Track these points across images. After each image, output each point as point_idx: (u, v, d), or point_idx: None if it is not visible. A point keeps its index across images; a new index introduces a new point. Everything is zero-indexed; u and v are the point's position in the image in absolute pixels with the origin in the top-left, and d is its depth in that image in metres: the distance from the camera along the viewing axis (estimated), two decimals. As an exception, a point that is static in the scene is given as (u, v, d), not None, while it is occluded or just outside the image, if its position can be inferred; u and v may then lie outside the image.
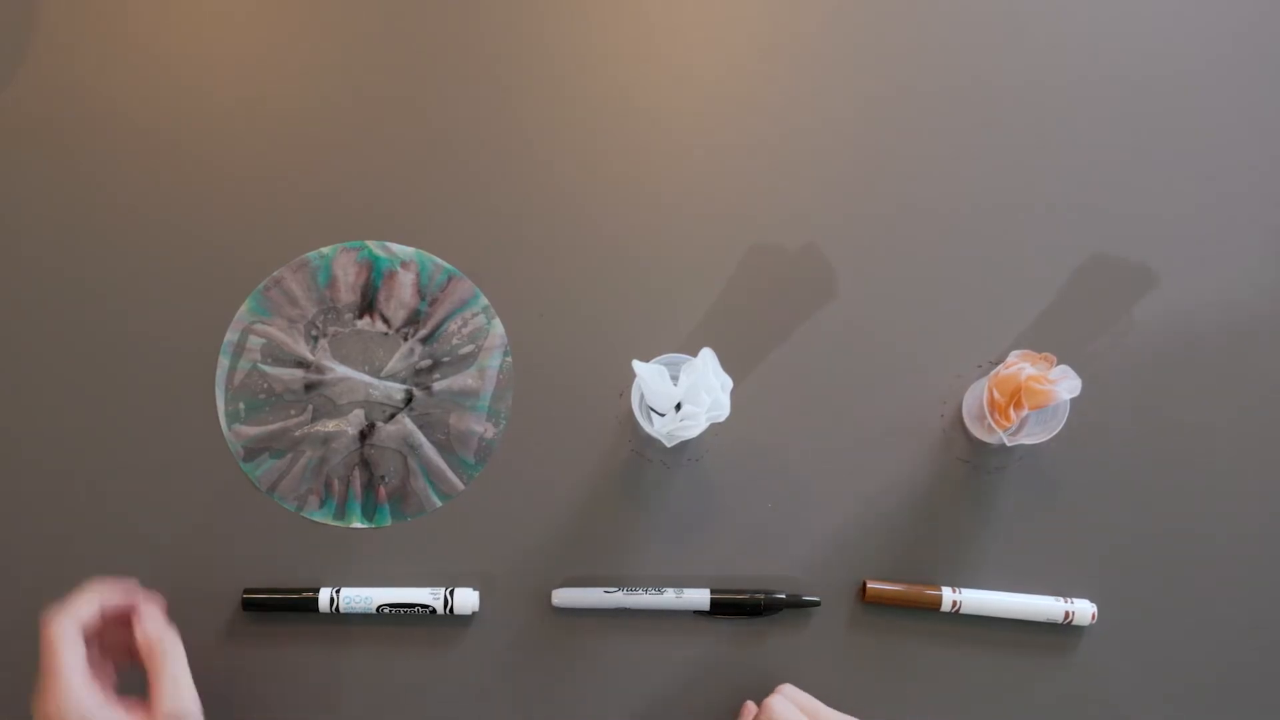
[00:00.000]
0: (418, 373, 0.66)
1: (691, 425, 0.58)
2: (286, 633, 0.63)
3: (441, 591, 0.62)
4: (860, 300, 0.68)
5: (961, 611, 0.63)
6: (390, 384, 0.66)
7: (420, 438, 0.65)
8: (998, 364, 0.61)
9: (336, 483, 0.65)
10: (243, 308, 0.66)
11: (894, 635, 0.63)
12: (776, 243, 0.69)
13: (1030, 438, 0.61)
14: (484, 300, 0.67)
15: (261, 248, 0.67)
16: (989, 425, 0.61)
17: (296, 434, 0.65)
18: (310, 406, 0.65)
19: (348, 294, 0.67)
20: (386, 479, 0.65)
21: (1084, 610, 0.63)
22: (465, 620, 0.63)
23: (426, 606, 0.62)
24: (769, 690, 0.58)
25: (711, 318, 0.68)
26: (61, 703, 0.47)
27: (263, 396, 0.65)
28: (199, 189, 0.68)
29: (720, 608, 0.62)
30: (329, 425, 0.65)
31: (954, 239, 0.69)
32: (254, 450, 0.65)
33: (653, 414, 0.63)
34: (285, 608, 0.62)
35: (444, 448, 0.65)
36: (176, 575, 0.64)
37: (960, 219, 0.69)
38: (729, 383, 0.58)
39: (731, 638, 0.63)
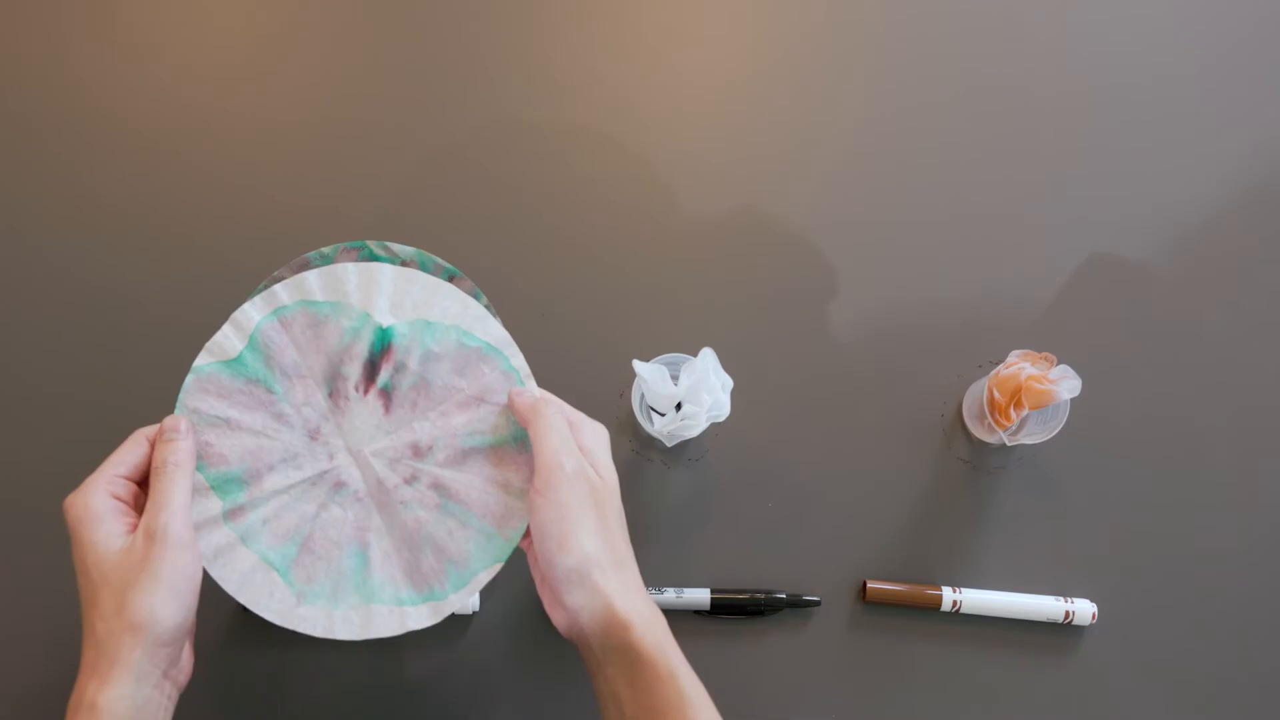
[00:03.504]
0: (418, 373, 0.66)
1: (692, 425, 0.58)
2: (287, 632, 0.63)
3: (442, 591, 0.62)
4: (860, 300, 0.68)
5: (962, 611, 0.63)
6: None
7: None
8: (998, 364, 0.61)
9: (337, 483, 0.64)
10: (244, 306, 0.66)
11: (894, 635, 0.63)
12: (777, 243, 0.69)
13: (1030, 438, 0.61)
14: (484, 300, 0.67)
15: (262, 247, 0.67)
16: (989, 425, 0.61)
17: (297, 434, 0.65)
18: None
19: (348, 294, 0.66)
20: (387, 479, 0.65)
21: (1084, 610, 0.62)
22: (465, 620, 0.63)
23: (427, 606, 0.62)
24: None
25: (711, 318, 0.68)
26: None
27: (263, 396, 0.65)
28: (200, 190, 0.68)
29: (721, 608, 0.62)
30: (329, 425, 0.65)
31: (954, 239, 0.69)
32: (254, 450, 0.65)
33: (653, 414, 0.63)
34: (285, 607, 0.62)
35: (444, 448, 0.65)
36: (177, 575, 0.63)
37: (960, 219, 0.69)
38: (729, 383, 0.58)
39: (732, 638, 0.63)
